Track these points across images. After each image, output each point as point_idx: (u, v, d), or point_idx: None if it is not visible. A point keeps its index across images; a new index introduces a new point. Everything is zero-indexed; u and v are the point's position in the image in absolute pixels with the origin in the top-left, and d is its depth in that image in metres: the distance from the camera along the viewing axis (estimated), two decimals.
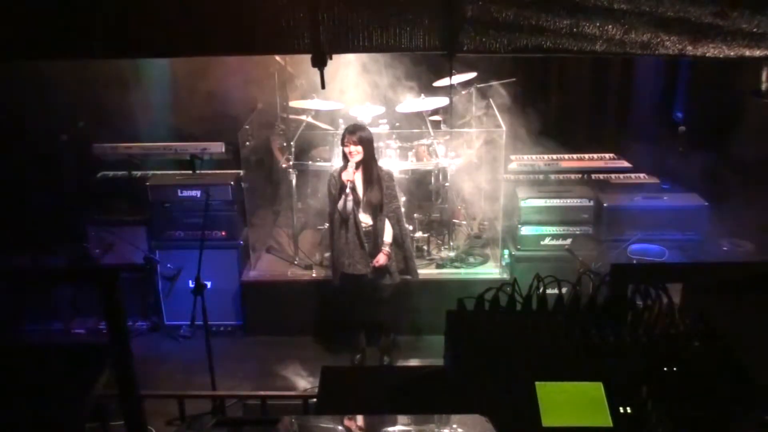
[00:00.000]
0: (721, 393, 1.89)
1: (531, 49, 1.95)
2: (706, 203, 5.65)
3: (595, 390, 1.90)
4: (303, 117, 6.00)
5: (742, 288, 2.25)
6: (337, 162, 5.54)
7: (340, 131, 5.29)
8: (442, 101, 6.05)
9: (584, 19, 1.89)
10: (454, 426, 1.87)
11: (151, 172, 6.15)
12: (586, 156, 6.39)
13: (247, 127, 6.03)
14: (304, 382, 5.20)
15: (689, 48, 1.92)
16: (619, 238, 5.56)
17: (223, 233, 5.86)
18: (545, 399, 1.87)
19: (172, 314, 5.93)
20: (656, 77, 7.31)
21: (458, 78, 6.17)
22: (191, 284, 4.73)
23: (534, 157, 6.22)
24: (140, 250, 5.81)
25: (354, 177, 4.87)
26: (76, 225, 5.92)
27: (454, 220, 6.36)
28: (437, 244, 6.26)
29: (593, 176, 6.17)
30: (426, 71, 6.20)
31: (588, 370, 1.95)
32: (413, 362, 5.49)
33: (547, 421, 1.82)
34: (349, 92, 5.84)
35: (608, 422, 1.82)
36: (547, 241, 5.76)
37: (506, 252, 5.95)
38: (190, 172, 5.82)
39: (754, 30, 1.88)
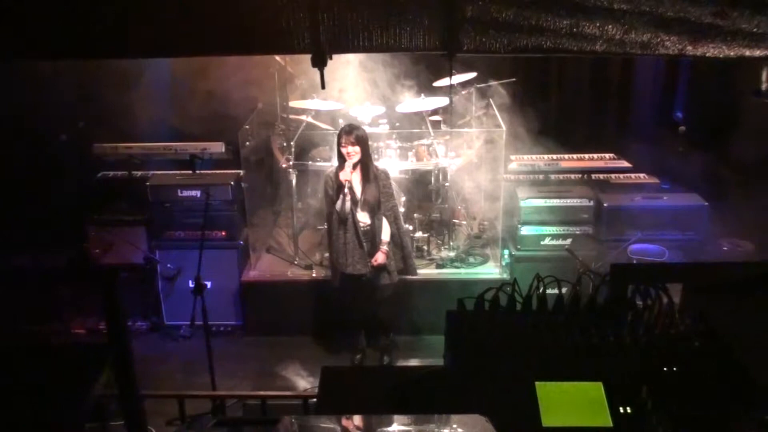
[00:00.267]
0: (721, 393, 1.89)
1: (531, 49, 1.95)
2: (706, 203, 5.65)
3: (595, 390, 1.90)
4: (303, 117, 5.99)
5: (742, 288, 2.25)
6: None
7: None
8: (442, 101, 6.04)
9: (584, 19, 1.89)
10: (454, 426, 1.87)
11: (151, 172, 6.13)
12: (586, 156, 6.38)
13: (247, 127, 6.02)
14: (304, 382, 5.21)
15: (689, 48, 1.92)
16: (619, 238, 5.57)
17: (223, 233, 5.86)
18: (545, 399, 1.87)
19: (172, 314, 5.93)
20: (656, 77, 7.31)
21: (458, 78, 6.16)
22: (191, 284, 4.74)
23: (534, 157, 6.21)
24: (140, 250, 5.81)
25: (351, 177, 4.88)
26: (76, 225, 5.92)
27: (454, 220, 6.36)
28: (437, 244, 6.26)
29: (593, 176, 6.15)
30: (426, 71, 6.21)
31: (588, 370, 1.95)
32: (413, 362, 5.49)
33: (547, 421, 1.82)
34: (349, 92, 5.85)
35: (608, 422, 1.82)
36: (547, 241, 5.76)
37: (506, 252, 5.94)
38: (190, 172, 5.80)
39: (754, 30, 1.88)
